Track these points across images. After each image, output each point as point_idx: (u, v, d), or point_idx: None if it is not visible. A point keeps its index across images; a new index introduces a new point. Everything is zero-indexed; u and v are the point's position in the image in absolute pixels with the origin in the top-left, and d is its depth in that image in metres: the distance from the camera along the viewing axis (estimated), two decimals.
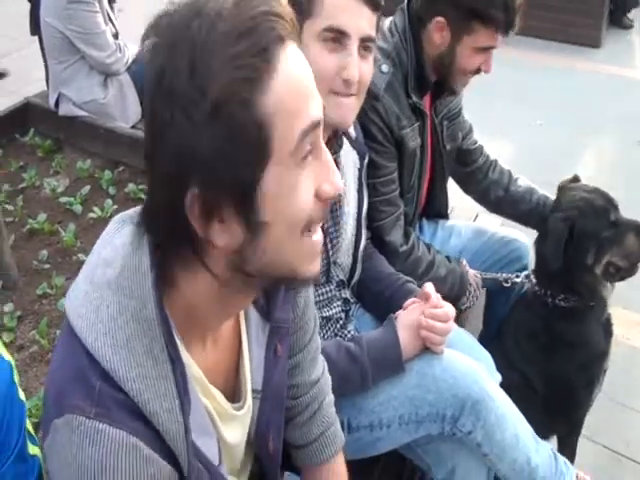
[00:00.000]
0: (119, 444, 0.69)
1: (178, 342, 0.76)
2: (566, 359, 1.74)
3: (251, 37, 0.62)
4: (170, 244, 0.74)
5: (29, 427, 1.03)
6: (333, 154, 1.35)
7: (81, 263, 2.41)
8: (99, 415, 0.69)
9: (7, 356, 1.00)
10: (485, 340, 1.72)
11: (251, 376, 0.92)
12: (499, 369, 1.49)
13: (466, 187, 2.03)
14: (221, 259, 0.72)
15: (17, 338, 2.16)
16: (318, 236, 0.74)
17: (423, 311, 1.30)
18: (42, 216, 2.68)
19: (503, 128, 3.87)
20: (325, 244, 1.37)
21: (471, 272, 1.74)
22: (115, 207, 2.72)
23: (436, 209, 1.95)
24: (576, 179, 1.87)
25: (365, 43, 1.22)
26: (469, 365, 1.31)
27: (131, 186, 2.84)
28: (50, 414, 0.73)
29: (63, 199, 2.81)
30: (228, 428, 0.88)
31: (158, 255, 0.74)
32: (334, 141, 1.35)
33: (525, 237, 1.95)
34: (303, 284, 0.80)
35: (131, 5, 4.46)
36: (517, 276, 1.82)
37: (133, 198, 2.81)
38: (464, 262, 1.74)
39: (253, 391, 0.93)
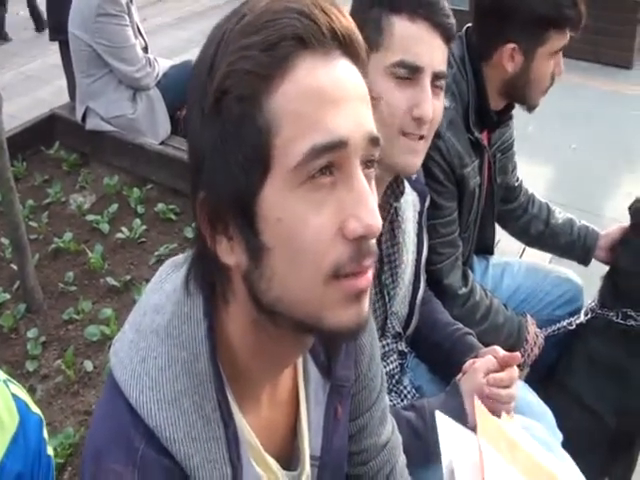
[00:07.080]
0: None
1: (231, 401, 0.68)
2: None
3: (265, 30, 0.56)
4: (203, 271, 0.67)
5: None
6: (395, 201, 1.25)
7: (109, 287, 2.37)
8: None
9: (36, 409, 0.98)
10: (531, 383, 1.63)
11: (309, 441, 0.83)
12: (565, 414, 1.40)
13: (504, 224, 1.94)
14: (241, 287, 0.64)
15: (41, 367, 2.08)
16: (357, 280, 0.59)
17: (486, 378, 1.19)
18: (68, 235, 2.61)
19: (536, 151, 3.76)
20: (383, 296, 1.27)
21: (534, 330, 1.63)
22: (144, 227, 2.63)
23: (483, 244, 1.85)
24: None
25: (437, 79, 1.12)
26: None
27: (160, 205, 2.75)
28: (85, 476, 0.65)
29: (90, 217, 2.73)
30: None
31: (210, 297, 0.67)
32: (396, 186, 1.24)
33: (577, 276, 1.86)
34: (334, 336, 0.65)
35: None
36: (579, 316, 1.71)
37: (162, 218, 2.72)
38: (529, 318, 1.64)
39: (311, 457, 0.83)
